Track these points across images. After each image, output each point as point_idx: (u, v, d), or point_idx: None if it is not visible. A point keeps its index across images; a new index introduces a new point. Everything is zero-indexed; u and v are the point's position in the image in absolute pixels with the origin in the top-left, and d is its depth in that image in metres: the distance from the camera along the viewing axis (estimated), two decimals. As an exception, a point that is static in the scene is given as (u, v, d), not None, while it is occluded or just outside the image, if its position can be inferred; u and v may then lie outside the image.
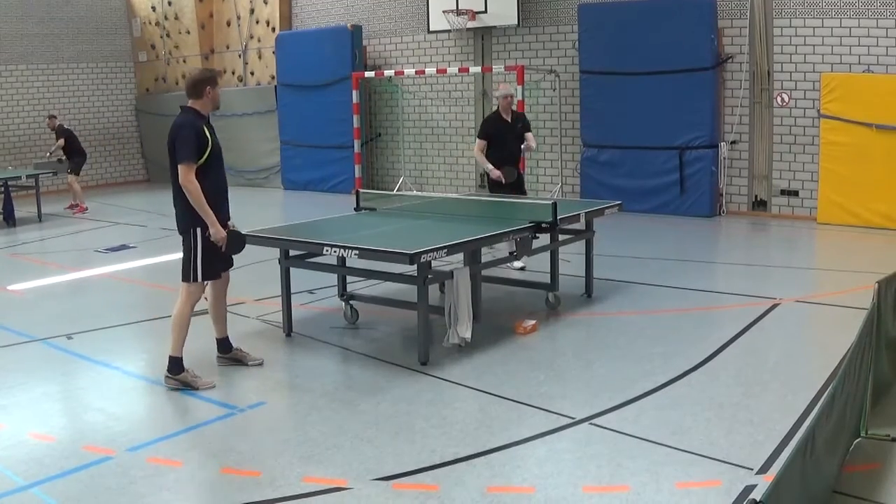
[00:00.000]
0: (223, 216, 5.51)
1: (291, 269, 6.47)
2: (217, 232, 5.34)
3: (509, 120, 8.62)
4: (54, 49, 17.89)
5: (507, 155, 8.57)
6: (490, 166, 8.49)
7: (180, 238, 5.50)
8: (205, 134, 5.33)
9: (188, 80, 5.56)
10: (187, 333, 5.47)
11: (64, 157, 14.94)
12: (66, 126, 15.19)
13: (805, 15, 11.55)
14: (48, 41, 17.74)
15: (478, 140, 8.74)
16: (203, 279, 5.50)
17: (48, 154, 14.99)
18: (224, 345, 5.93)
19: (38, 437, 4.60)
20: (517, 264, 8.18)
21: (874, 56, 11.01)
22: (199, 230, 5.39)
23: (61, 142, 14.67)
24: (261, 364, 5.85)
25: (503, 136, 8.57)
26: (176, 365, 5.43)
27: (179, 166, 5.23)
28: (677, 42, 12.10)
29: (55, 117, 15.16)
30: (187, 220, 5.41)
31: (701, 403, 4.93)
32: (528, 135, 8.69)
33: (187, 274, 5.46)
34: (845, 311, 6.83)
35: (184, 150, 5.23)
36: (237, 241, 5.57)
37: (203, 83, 5.43)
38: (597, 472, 4.06)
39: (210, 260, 5.46)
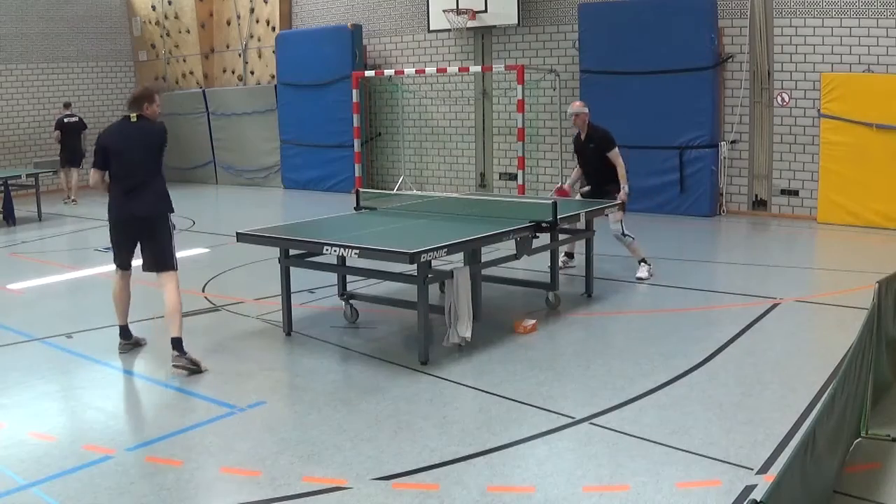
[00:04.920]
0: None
1: (291, 268, 6.47)
2: None
3: (583, 137, 8.40)
4: (54, 48, 17.87)
5: (588, 172, 8.50)
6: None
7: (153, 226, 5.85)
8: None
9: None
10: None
11: (59, 143, 15.27)
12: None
13: (805, 14, 11.55)
14: (48, 41, 17.73)
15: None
16: (176, 266, 5.93)
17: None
18: (125, 332, 6.23)
19: (38, 437, 4.60)
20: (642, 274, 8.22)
21: (874, 56, 11.01)
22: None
23: (85, 132, 15.10)
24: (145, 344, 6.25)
25: (579, 153, 8.51)
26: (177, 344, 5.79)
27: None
28: (677, 42, 12.09)
29: (70, 105, 15.42)
30: (164, 206, 5.86)
31: (701, 403, 4.93)
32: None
33: (171, 262, 5.88)
34: (845, 311, 6.83)
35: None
36: None
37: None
38: (597, 472, 4.06)
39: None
